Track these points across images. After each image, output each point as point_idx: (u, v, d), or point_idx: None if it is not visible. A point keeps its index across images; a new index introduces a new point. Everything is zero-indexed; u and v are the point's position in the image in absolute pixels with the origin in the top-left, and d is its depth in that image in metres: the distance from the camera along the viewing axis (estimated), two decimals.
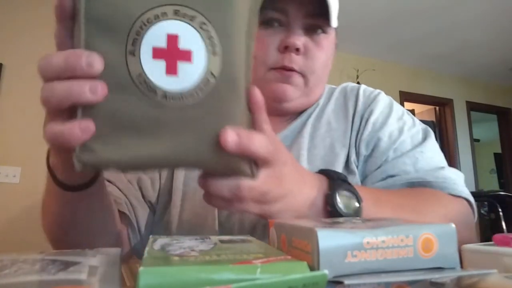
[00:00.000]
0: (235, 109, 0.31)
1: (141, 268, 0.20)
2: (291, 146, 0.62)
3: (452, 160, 4.23)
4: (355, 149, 0.61)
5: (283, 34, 0.58)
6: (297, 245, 0.27)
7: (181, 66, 0.29)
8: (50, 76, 0.29)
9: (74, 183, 0.39)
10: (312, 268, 0.24)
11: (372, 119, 0.61)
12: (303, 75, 0.59)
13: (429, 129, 0.63)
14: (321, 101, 0.67)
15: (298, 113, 0.66)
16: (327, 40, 0.61)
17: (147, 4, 0.29)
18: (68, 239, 0.48)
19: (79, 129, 0.27)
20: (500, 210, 1.71)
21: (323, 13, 0.57)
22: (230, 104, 0.31)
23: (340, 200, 0.41)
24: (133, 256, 0.59)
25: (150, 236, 0.32)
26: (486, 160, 6.64)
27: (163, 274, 0.20)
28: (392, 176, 0.57)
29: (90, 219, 0.46)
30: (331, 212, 0.40)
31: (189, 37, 0.29)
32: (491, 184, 6.54)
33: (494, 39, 3.72)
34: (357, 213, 0.41)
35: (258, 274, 0.21)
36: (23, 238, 2.45)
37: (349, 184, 0.43)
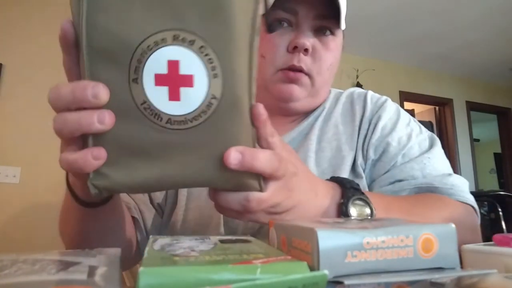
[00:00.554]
0: (239, 128, 0.32)
1: (141, 268, 0.20)
2: (298, 149, 0.62)
3: (452, 160, 4.23)
4: (362, 153, 0.62)
5: (292, 35, 0.58)
6: (297, 245, 0.27)
7: (183, 91, 0.29)
8: (60, 108, 0.30)
9: (93, 200, 0.40)
10: (312, 268, 0.24)
11: (381, 124, 0.62)
12: (310, 75, 0.60)
13: (435, 136, 0.64)
14: (327, 104, 0.68)
15: (304, 114, 0.67)
16: (335, 42, 0.62)
17: (146, 31, 0.29)
18: (87, 248, 0.50)
19: (92, 156, 0.29)
20: (500, 210, 1.72)
21: (333, 15, 0.57)
22: (234, 123, 0.31)
23: (353, 209, 0.41)
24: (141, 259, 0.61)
25: (150, 236, 0.32)
26: (486, 160, 6.63)
27: (163, 274, 0.20)
28: (400, 180, 0.58)
29: (109, 230, 0.48)
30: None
31: (190, 62, 0.29)
32: (491, 184, 6.54)
33: (494, 39, 3.72)
34: (368, 217, 0.42)
35: (258, 274, 0.21)
36: (23, 238, 2.45)
37: (362, 192, 0.43)
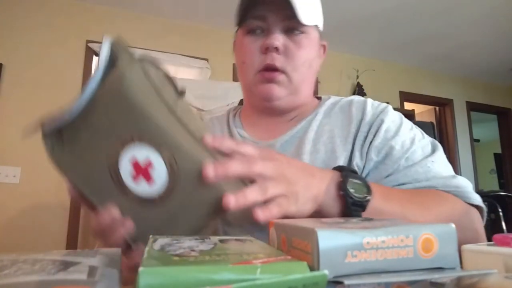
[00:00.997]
0: (204, 161, 0.38)
1: (141, 268, 0.20)
2: (293, 151, 0.64)
3: (452, 160, 4.22)
4: (361, 155, 0.62)
5: (264, 38, 0.64)
6: (297, 245, 0.27)
7: (151, 171, 0.38)
8: (102, 237, 0.42)
9: None
10: (312, 268, 0.24)
11: (384, 127, 0.63)
12: (285, 73, 0.64)
13: (437, 142, 0.65)
14: (323, 109, 0.70)
15: (297, 116, 0.70)
16: (308, 40, 0.66)
17: (108, 156, 0.38)
18: None
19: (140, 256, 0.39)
20: (500, 210, 1.71)
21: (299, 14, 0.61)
22: (198, 163, 0.38)
23: (351, 186, 0.45)
24: None
25: (150, 236, 0.32)
26: (486, 160, 6.63)
27: (163, 274, 0.20)
28: (403, 184, 0.59)
29: None
30: (344, 196, 0.45)
31: (140, 150, 0.38)
32: (491, 184, 6.54)
33: (494, 39, 3.72)
34: (367, 196, 0.45)
35: (258, 274, 0.21)
36: (23, 238, 2.45)
37: (360, 175, 0.48)
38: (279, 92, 0.64)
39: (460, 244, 0.31)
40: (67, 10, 2.89)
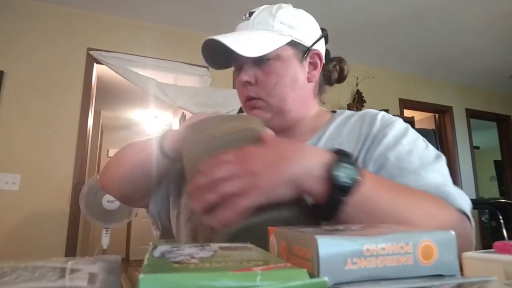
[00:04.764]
0: None
1: (141, 275, 0.20)
2: None
3: (452, 168, 4.21)
4: (363, 165, 0.64)
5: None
6: (297, 252, 0.27)
7: None
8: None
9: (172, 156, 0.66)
10: (312, 276, 0.24)
11: (385, 141, 0.65)
12: (262, 99, 0.71)
13: (442, 154, 0.65)
14: (333, 125, 0.73)
15: (308, 133, 0.74)
16: (279, 62, 0.70)
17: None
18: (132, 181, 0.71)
19: None
20: (501, 217, 1.71)
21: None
22: None
23: (341, 170, 0.45)
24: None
25: (150, 243, 0.32)
26: (486, 168, 6.62)
27: (163, 281, 0.20)
28: None
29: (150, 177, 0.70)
30: (330, 179, 0.44)
31: None
32: (492, 191, 6.52)
33: (494, 46, 3.74)
34: (355, 183, 0.45)
35: (258, 281, 0.21)
36: (22, 245, 2.44)
37: (354, 161, 0.47)
38: (264, 115, 0.71)
39: None
40: (68, 18, 2.91)
